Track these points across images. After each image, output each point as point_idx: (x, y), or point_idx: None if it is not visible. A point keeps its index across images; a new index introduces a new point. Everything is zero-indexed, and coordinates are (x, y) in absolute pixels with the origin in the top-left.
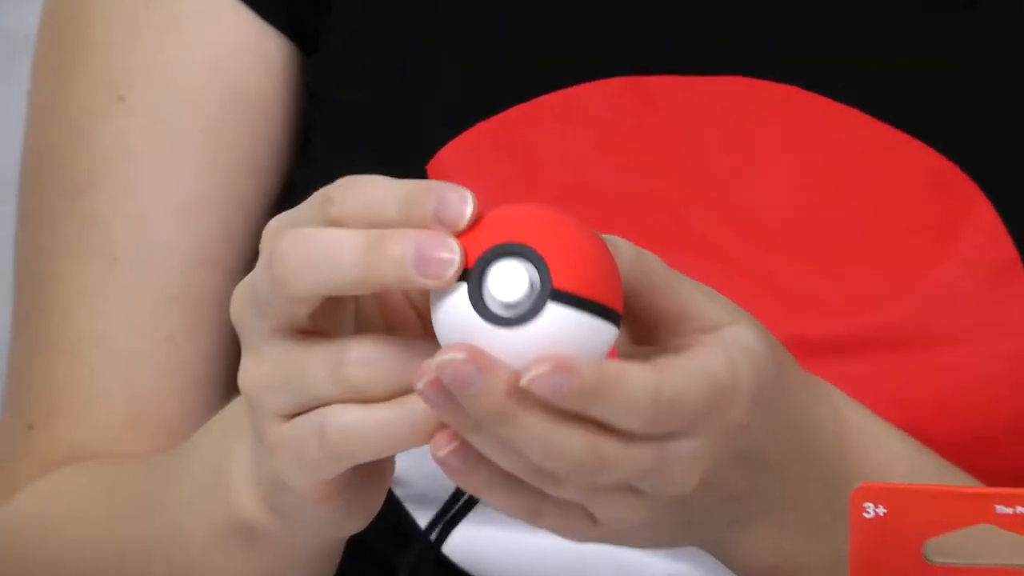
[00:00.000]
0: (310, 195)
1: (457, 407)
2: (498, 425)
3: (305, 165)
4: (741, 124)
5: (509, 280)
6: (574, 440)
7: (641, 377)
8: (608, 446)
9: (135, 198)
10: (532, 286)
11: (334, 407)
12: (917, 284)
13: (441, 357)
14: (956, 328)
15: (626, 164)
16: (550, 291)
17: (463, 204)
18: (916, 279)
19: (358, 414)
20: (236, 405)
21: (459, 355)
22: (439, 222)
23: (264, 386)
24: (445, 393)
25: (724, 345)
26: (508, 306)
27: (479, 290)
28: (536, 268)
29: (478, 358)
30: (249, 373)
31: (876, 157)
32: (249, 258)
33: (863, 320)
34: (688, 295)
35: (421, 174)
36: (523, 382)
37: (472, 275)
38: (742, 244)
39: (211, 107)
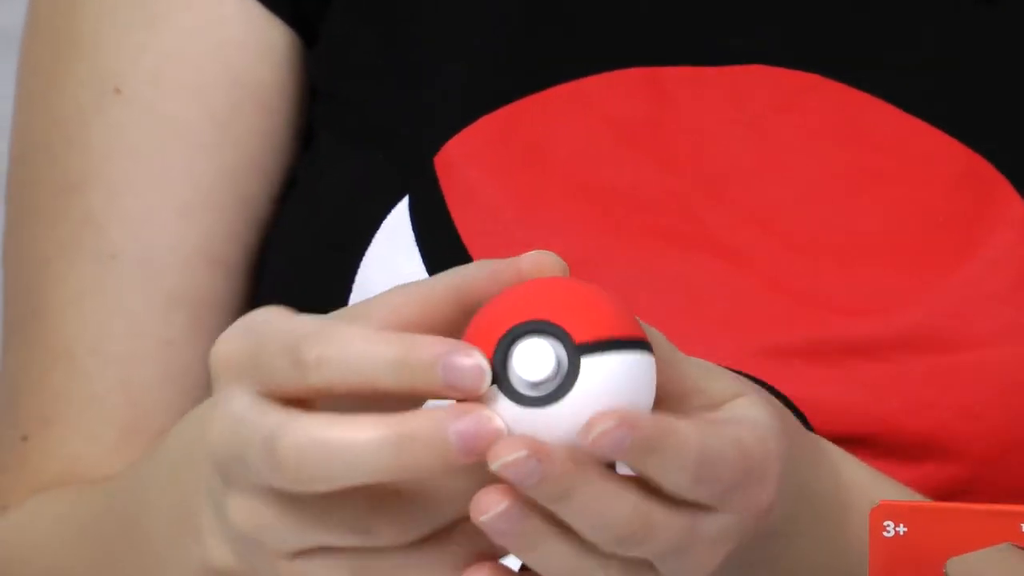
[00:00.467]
0: (312, 191)
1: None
2: (556, 501)
3: (308, 161)
4: (759, 116)
5: (533, 360)
6: (625, 504)
7: (687, 429)
8: (655, 510)
9: (133, 195)
10: (557, 355)
11: (364, 555)
12: (941, 283)
13: (504, 459)
14: (981, 330)
15: (639, 159)
16: (576, 348)
17: (476, 367)
18: (940, 278)
19: (398, 560)
20: (179, 434)
21: (522, 452)
22: (456, 392)
23: (268, 529)
24: (509, 520)
25: (751, 422)
26: (541, 384)
27: (510, 384)
28: (552, 335)
29: (538, 451)
30: (243, 513)
31: (901, 150)
32: (253, 259)
33: (883, 321)
34: (693, 372)
35: (429, 168)
36: (588, 441)
37: (497, 374)
38: (758, 242)
39: (216, 101)
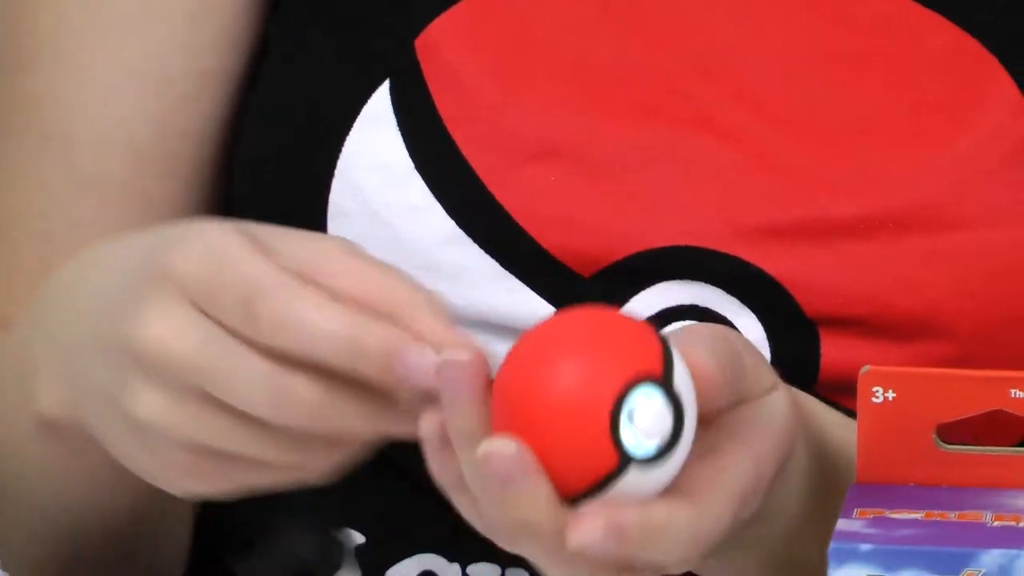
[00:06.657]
0: (287, 70)
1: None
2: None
3: (281, 32)
4: None
5: (655, 416)
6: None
7: (679, 519)
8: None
9: (69, 75)
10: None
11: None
12: (932, 163)
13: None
14: (972, 210)
15: (626, 35)
16: (677, 397)
17: (430, 367)
18: (931, 157)
19: None
20: (45, 291)
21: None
22: (404, 387)
23: (188, 365)
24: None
25: (758, 440)
26: (652, 440)
27: (622, 444)
28: (661, 386)
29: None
30: (150, 406)
31: (890, 29)
32: (195, 143)
33: (872, 200)
34: (748, 362)
35: (409, 49)
36: (575, 544)
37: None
38: (747, 120)
39: None
